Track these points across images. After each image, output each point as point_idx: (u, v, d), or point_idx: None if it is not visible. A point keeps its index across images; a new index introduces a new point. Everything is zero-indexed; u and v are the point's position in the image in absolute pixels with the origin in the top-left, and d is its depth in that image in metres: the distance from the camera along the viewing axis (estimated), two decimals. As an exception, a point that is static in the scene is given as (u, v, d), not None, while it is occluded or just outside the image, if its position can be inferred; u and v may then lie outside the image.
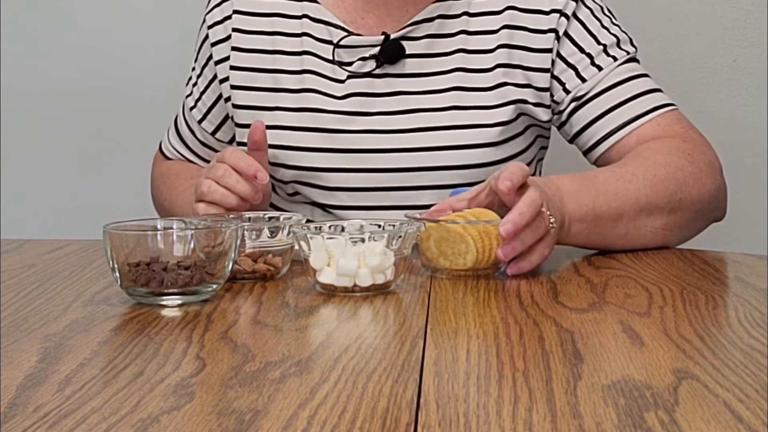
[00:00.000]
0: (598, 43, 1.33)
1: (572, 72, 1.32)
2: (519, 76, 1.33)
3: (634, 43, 1.37)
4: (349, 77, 1.35)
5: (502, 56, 1.32)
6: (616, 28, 1.36)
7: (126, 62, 2.04)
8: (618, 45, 1.34)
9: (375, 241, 0.96)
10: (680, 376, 0.68)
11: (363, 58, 1.35)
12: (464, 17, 1.35)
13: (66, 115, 2.06)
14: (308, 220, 1.12)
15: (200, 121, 1.48)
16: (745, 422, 0.59)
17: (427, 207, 1.13)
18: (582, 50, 1.33)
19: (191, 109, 1.49)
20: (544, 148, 1.44)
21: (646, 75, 1.35)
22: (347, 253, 0.95)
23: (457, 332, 0.82)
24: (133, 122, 2.04)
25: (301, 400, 0.63)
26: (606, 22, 1.35)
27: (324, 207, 1.37)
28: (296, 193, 1.39)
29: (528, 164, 1.37)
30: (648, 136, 1.30)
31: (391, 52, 1.34)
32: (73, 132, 2.07)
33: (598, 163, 1.34)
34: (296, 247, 1.00)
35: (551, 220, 1.07)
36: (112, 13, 2.04)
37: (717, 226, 1.32)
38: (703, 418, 0.59)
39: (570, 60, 1.32)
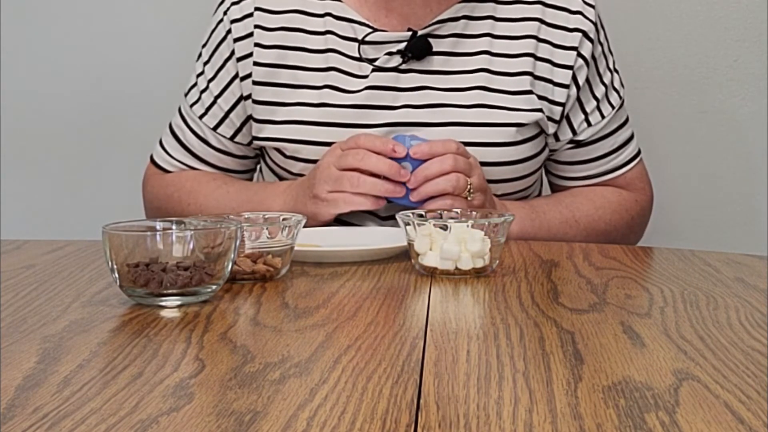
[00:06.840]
0: (602, 83, 1.43)
1: (582, 114, 1.42)
2: (541, 88, 1.38)
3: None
4: (374, 71, 1.37)
5: (528, 64, 1.38)
6: (612, 60, 1.46)
7: (126, 62, 2.04)
8: (615, 86, 1.45)
9: (475, 228, 1.03)
10: (681, 377, 0.68)
11: (389, 53, 1.38)
12: (490, 21, 1.39)
13: (66, 116, 2.06)
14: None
15: (215, 128, 1.45)
16: (746, 423, 0.58)
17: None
18: (592, 91, 1.42)
19: (201, 116, 1.45)
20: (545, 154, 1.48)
21: (626, 118, 1.47)
22: (450, 239, 1.02)
23: (457, 333, 0.81)
24: (133, 122, 2.04)
25: (300, 401, 0.63)
26: (610, 60, 1.45)
27: None
28: None
29: (535, 171, 1.43)
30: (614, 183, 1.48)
31: (419, 48, 1.37)
32: (73, 132, 2.07)
33: (557, 184, 1.50)
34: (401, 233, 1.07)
35: (469, 183, 1.26)
36: (112, 13, 2.04)
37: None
38: (703, 419, 0.59)
39: (582, 98, 1.41)
